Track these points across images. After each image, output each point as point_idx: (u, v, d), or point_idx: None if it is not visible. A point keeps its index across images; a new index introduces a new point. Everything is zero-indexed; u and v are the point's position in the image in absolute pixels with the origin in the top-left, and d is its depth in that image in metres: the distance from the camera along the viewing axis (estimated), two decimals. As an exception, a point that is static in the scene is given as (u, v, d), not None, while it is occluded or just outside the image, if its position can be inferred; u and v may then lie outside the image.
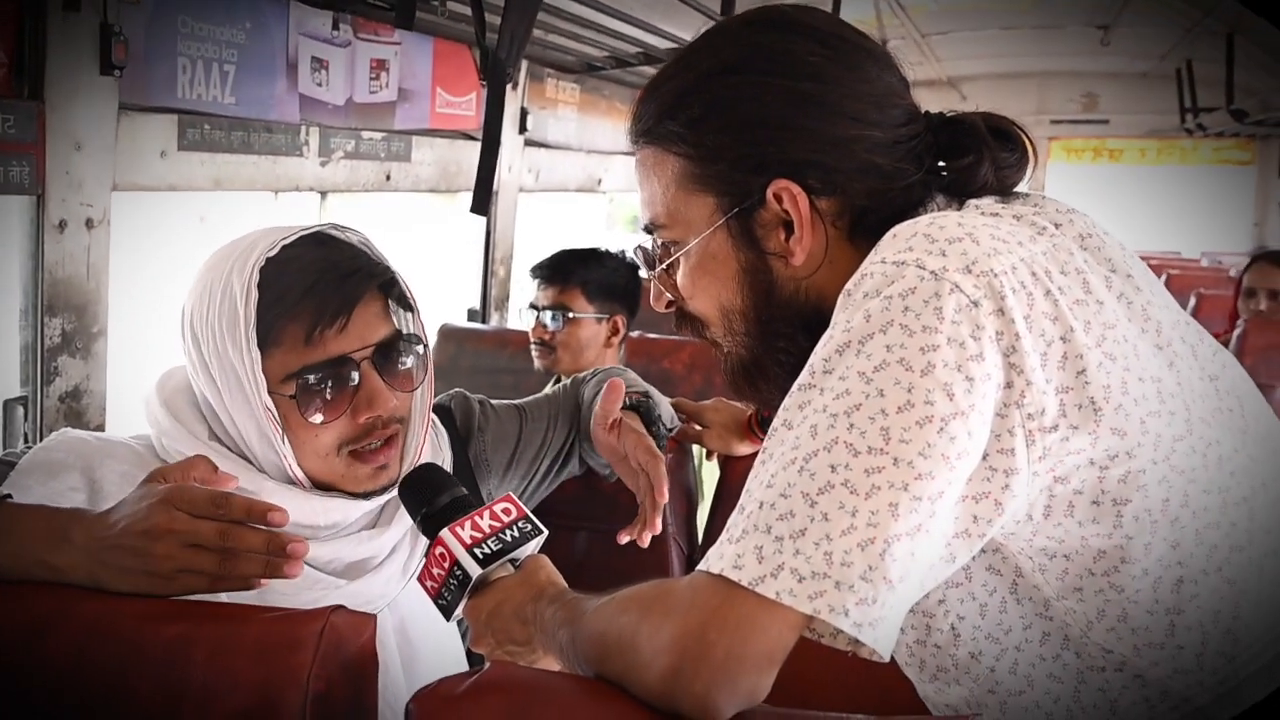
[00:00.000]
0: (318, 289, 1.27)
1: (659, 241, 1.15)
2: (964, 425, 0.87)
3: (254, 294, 1.25)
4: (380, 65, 3.20)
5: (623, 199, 6.18)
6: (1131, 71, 8.50)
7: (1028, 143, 1.12)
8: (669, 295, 1.18)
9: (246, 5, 2.61)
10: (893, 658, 0.91)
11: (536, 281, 2.85)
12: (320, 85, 2.91)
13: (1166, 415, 0.94)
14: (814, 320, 1.04)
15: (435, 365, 1.43)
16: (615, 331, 2.83)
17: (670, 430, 1.71)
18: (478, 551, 1.18)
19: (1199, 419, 0.97)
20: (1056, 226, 1.02)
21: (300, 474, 1.31)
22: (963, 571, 0.98)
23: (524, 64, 4.01)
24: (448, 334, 3.29)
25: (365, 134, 3.16)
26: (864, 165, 1.06)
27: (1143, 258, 1.07)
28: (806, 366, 0.94)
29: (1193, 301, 5.10)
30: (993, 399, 0.89)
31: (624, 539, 1.51)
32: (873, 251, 0.98)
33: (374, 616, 1.05)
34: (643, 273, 1.21)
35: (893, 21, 5.95)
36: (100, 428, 2.22)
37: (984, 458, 0.90)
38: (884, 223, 1.02)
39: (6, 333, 2.15)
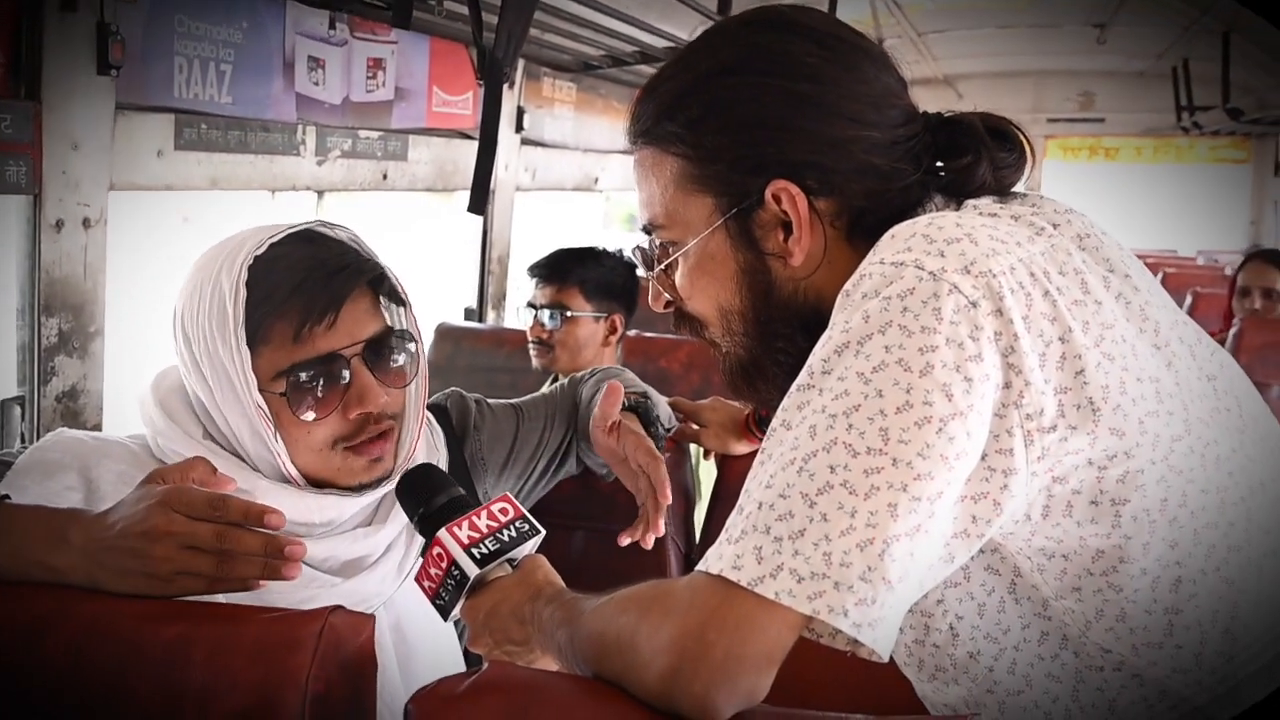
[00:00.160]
0: (306, 286, 1.27)
1: (657, 242, 1.15)
2: (963, 425, 0.87)
3: (242, 292, 1.25)
4: (377, 64, 3.20)
5: (619, 198, 6.19)
6: (1128, 70, 8.52)
7: (1025, 143, 1.12)
8: (667, 295, 1.18)
9: (243, 5, 2.61)
10: (891, 657, 0.91)
11: (534, 280, 2.85)
12: (317, 84, 2.91)
13: (1165, 415, 0.94)
14: (812, 321, 1.04)
15: (432, 364, 1.43)
16: (613, 330, 2.83)
17: (668, 431, 1.71)
18: (475, 552, 1.17)
19: (1197, 419, 0.97)
20: (1054, 227, 1.02)
21: (294, 471, 1.31)
22: (961, 571, 0.98)
23: (520, 63, 4.01)
24: (445, 333, 3.29)
25: (362, 133, 3.16)
26: (862, 166, 1.06)
27: (1139, 256, 1.08)
28: (805, 367, 0.94)
29: (1189, 300, 5.10)
30: (991, 399, 0.89)
31: (625, 541, 1.51)
32: (871, 252, 0.98)
33: (373, 617, 1.05)
34: (641, 273, 1.21)
35: (889, 20, 5.96)
36: (97, 427, 2.22)
37: (983, 458, 0.90)
38: (882, 223, 1.02)
39: (3, 332, 2.15)
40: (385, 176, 3.30)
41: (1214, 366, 1.04)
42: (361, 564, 1.35)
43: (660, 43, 4.00)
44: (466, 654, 1.41)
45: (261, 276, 1.26)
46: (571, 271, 2.80)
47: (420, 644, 1.39)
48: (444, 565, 1.18)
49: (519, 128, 4.17)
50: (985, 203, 1.08)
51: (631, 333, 3.02)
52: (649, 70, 4.40)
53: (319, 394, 1.28)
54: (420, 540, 1.33)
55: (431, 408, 1.59)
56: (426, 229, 4.19)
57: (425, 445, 1.47)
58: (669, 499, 1.49)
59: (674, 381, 3.06)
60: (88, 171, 2.16)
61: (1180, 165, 10.13)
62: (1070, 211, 1.06)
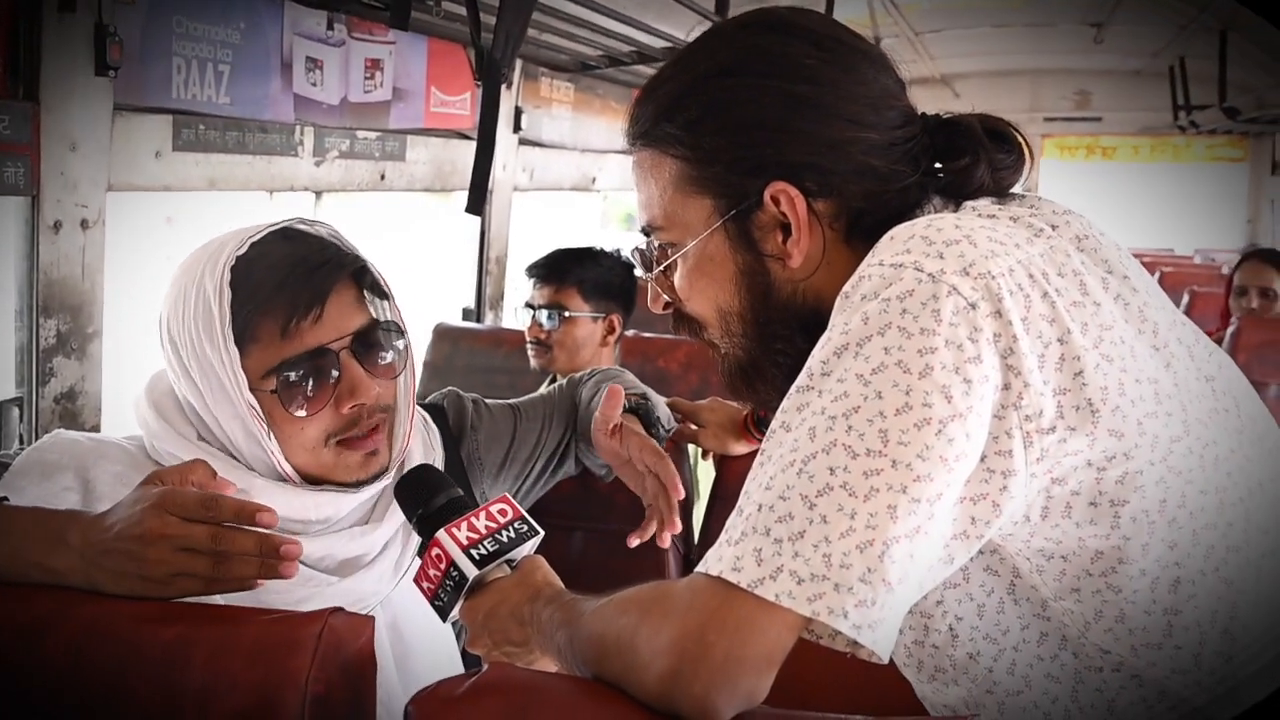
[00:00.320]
0: (289, 282, 1.27)
1: (656, 243, 1.15)
2: (962, 427, 0.88)
3: (227, 293, 1.25)
4: (375, 65, 3.20)
5: (617, 197, 6.19)
6: (1125, 69, 8.52)
7: (1024, 144, 1.12)
8: (666, 297, 1.18)
9: (241, 5, 2.61)
10: (891, 658, 0.92)
11: (532, 281, 2.86)
12: (315, 85, 2.91)
13: (1163, 416, 0.94)
14: (811, 322, 1.04)
15: (430, 365, 1.44)
16: (611, 330, 2.83)
17: (668, 431, 1.71)
18: (474, 553, 1.18)
19: (1196, 420, 0.97)
20: (1053, 228, 1.02)
21: (289, 469, 1.31)
22: (961, 572, 0.98)
23: (518, 63, 4.02)
24: (443, 333, 3.29)
25: (360, 133, 3.16)
26: (860, 167, 1.06)
27: (1136, 255, 1.08)
28: (804, 369, 0.94)
29: (1186, 299, 5.10)
30: (990, 401, 0.89)
31: (634, 542, 1.51)
32: (870, 254, 0.98)
33: (372, 619, 1.05)
34: (640, 274, 1.21)
35: (886, 20, 5.96)
36: (96, 428, 2.22)
37: (982, 459, 0.90)
38: (881, 225, 1.02)
39: (1, 334, 2.15)
40: (383, 177, 3.30)
41: (1212, 367, 1.04)
42: (358, 563, 1.35)
43: (658, 43, 4.00)
44: (464, 653, 1.41)
45: (244, 276, 1.27)
46: (569, 272, 2.80)
47: (417, 643, 1.39)
48: (443, 566, 1.18)
49: (517, 128, 4.17)
50: (984, 204, 1.08)
51: (630, 333, 3.02)
52: (647, 70, 4.41)
53: (310, 389, 1.29)
54: (417, 539, 1.33)
55: (428, 407, 1.59)
56: (424, 229, 4.19)
57: (421, 444, 1.47)
58: (682, 493, 1.49)
59: (672, 381, 3.06)
60: (86, 172, 2.16)
61: (1177, 164, 10.13)
62: (1069, 213, 1.06)
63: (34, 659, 1.02)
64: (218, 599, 1.16)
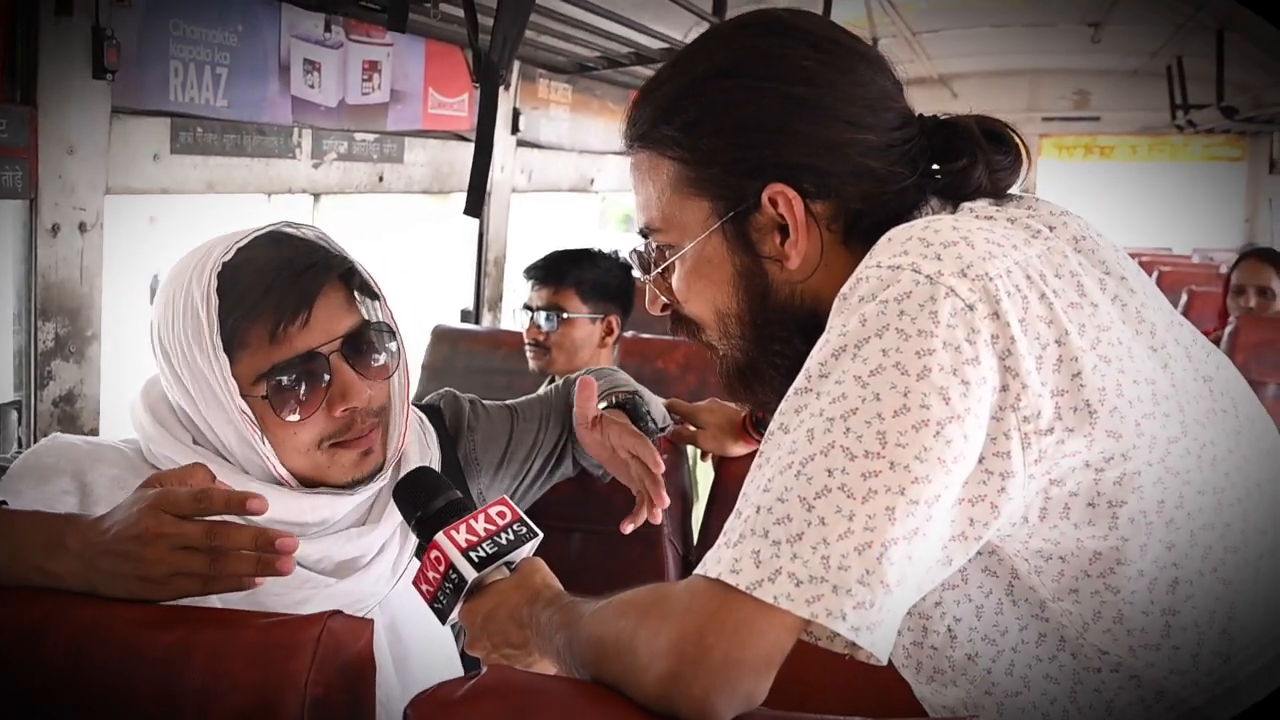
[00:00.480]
0: (276, 287, 1.27)
1: (654, 245, 1.15)
2: (960, 429, 0.88)
3: (214, 299, 1.25)
4: (372, 67, 3.20)
5: (615, 198, 6.19)
6: (1122, 68, 8.52)
7: (1021, 145, 1.12)
8: (664, 299, 1.18)
9: (238, 8, 2.61)
10: (890, 660, 0.92)
11: (530, 282, 2.86)
12: (312, 87, 2.91)
13: (1161, 417, 0.94)
14: (809, 324, 1.04)
15: (428, 366, 1.44)
16: (609, 332, 2.84)
17: (662, 429, 1.71)
18: (473, 555, 1.18)
19: (1193, 420, 0.97)
20: (1051, 229, 1.03)
21: (284, 473, 1.31)
22: (959, 574, 0.98)
23: (516, 65, 4.01)
24: (441, 335, 3.29)
25: (358, 136, 3.16)
26: (858, 169, 1.06)
27: (1134, 254, 1.08)
28: (802, 370, 0.94)
29: (1184, 299, 5.10)
30: (988, 402, 0.89)
31: (628, 528, 1.52)
32: (868, 255, 0.98)
33: (371, 621, 1.05)
34: (638, 275, 1.21)
35: (884, 20, 5.96)
36: (94, 432, 2.22)
37: (980, 461, 0.90)
38: (879, 226, 1.02)
39: (0, 337, 2.14)
40: (381, 179, 3.30)
41: (1210, 368, 1.04)
42: (356, 564, 1.36)
43: (655, 44, 4.00)
44: (463, 655, 1.41)
45: (231, 282, 1.26)
46: (568, 273, 2.80)
47: (415, 644, 1.39)
48: (442, 569, 1.18)
49: (515, 129, 4.17)
50: (981, 205, 1.08)
51: (628, 334, 3.02)
52: (644, 71, 4.40)
53: (301, 394, 1.29)
54: (414, 540, 1.33)
55: (425, 408, 1.59)
56: (423, 231, 4.19)
57: (418, 445, 1.47)
58: (662, 468, 1.51)
59: (671, 383, 3.06)
60: (84, 176, 2.16)
61: (1175, 163, 10.13)
62: (1066, 214, 1.06)
63: (33, 662, 1.02)
64: (215, 602, 1.16)
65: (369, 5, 2.95)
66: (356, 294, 1.37)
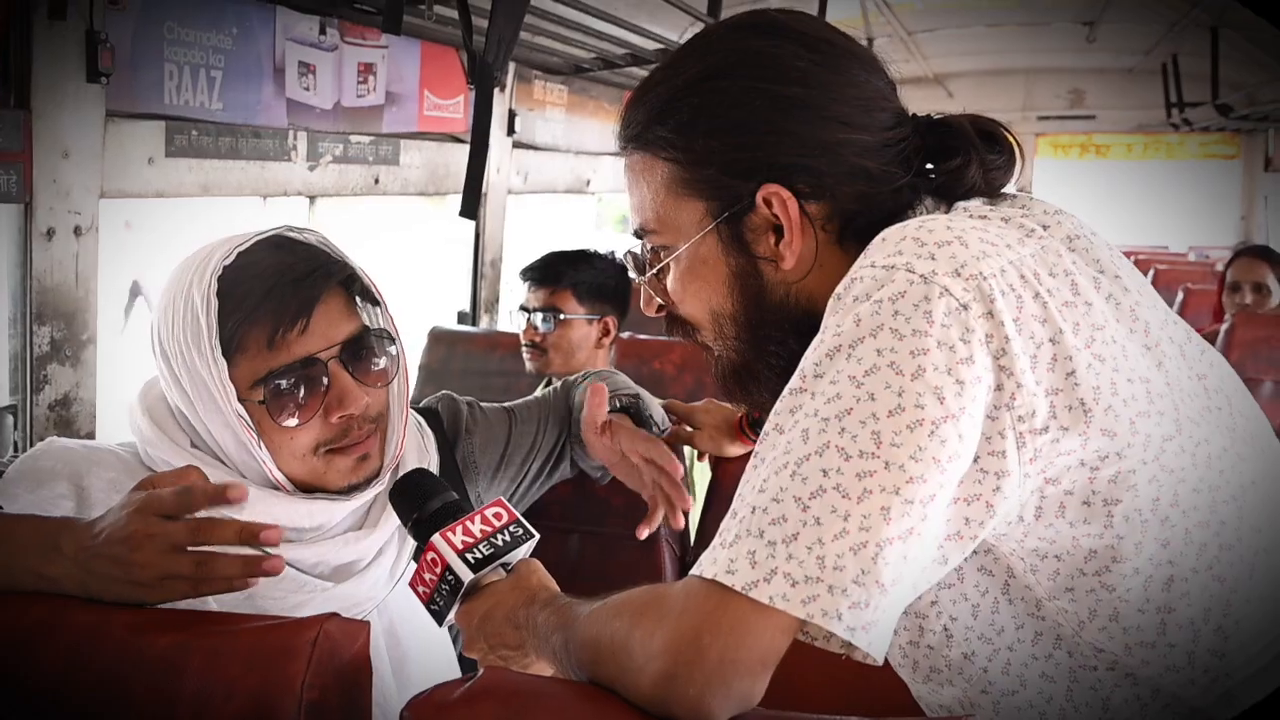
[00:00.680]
0: (276, 292, 1.27)
1: (649, 246, 1.15)
2: (955, 428, 0.88)
3: (214, 303, 1.25)
4: (368, 69, 3.19)
5: (611, 199, 6.19)
6: (1117, 67, 8.52)
7: (1014, 144, 1.12)
8: (659, 300, 1.18)
9: (233, 10, 2.61)
10: (886, 659, 0.92)
11: (527, 284, 2.86)
12: (308, 89, 2.91)
13: (1156, 415, 0.94)
14: (804, 324, 1.04)
15: (425, 368, 1.44)
16: (606, 332, 2.84)
17: (662, 432, 1.71)
18: (469, 556, 1.18)
19: (1188, 418, 0.97)
20: (1044, 228, 1.03)
21: (281, 477, 1.31)
22: (955, 573, 0.99)
23: (511, 66, 4.01)
24: (438, 337, 3.29)
25: (353, 138, 3.15)
26: (852, 169, 1.06)
27: (1130, 253, 1.08)
28: (797, 370, 0.94)
29: (1180, 297, 5.11)
30: (983, 402, 0.89)
31: (644, 533, 1.52)
32: (862, 255, 0.98)
33: (368, 624, 1.05)
34: (633, 276, 1.21)
35: (879, 20, 5.97)
36: (91, 435, 2.22)
37: (975, 460, 0.90)
38: (873, 226, 1.02)
39: (-4, 341, 2.14)
40: (377, 181, 3.30)
41: (1204, 365, 1.04)
42: (353, 568, 1.35)
43: (650, 45, 4.00)
44: (461, 657, 1.41)
45: (232, 286, 1.26)
46: (564, 274, 2.80)
47: (414, 648, 1.39)
48: (438, 570, 1.18)
49: (510, 131, 4.17)
50: (975, 205, 1.08)
51: (625, 335, 3.02)
52: (640, 72, 4.40)
53: (299, 399, 1.29)
54: (412, 543, 1.33)
55: (423, 411, 1.59)
56: (419, 233, 4.19)
57: (416, 448, 1.47)
58: (681, 470, 1.50)
59: (667, 383, 3.07)
60: (78, 179, 2.16)
61: (1171, 161, 10.14)
62: (1060, 213, 1.07)
63: (29, 666, 1.02)
64: (213, 605, 1.16)
65: (364, 7, 2.95)
66: (357, 300, 1.36)
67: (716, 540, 0.90)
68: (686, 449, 1.99)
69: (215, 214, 2.81)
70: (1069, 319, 0.93)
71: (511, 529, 1.21)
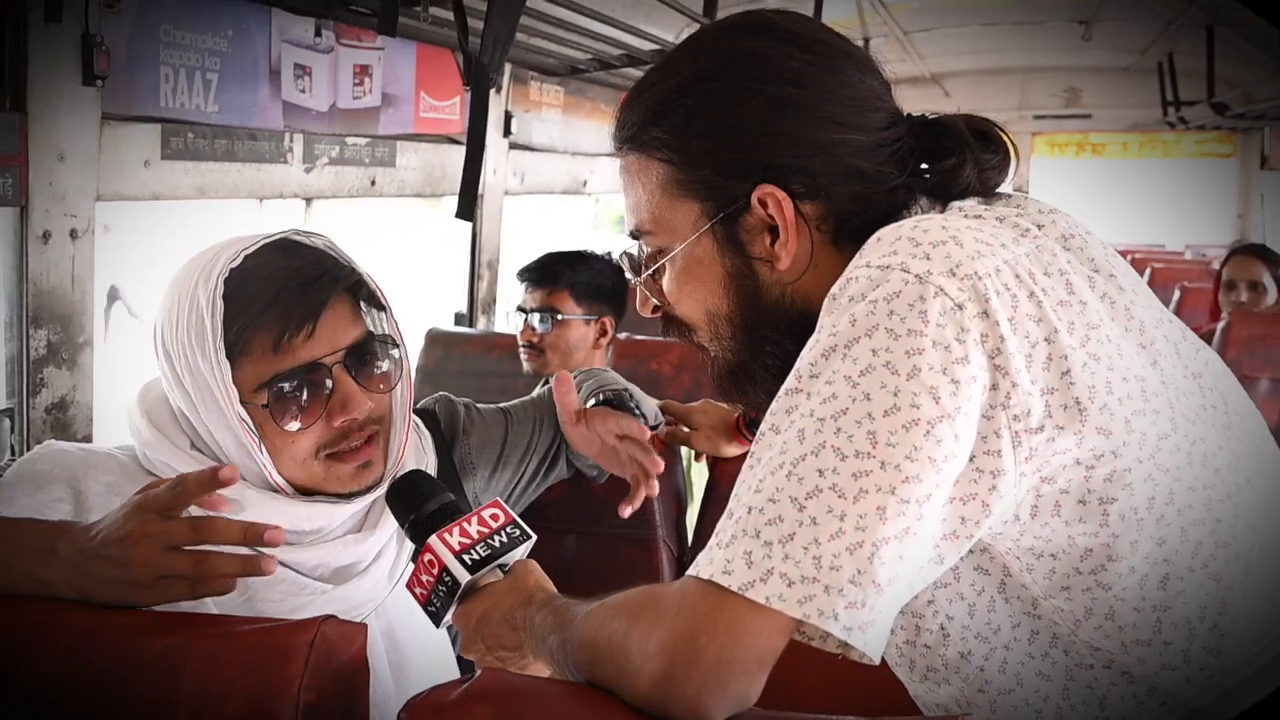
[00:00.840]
0: (282, 297, 1.26)
1: (645, 247, 1.15)
2: (950, 428, 0.88)
3: (219, 305, 1.25)
4: (363, 71, 3.19)
5: (608, 200, 6.19)
6: (1113, 66, 8.53)
7: (1009, 144, 1.13)
8: (655, 300, 1.18)
9: (228, 13, 2.60)
10: (883, 658, 0.92)
11: (524, 284, 2.86)
12: (304, 92, 2.91)
13: (1151, 414, 0.95)
14: (800, 324, 1.04)
15: (422, 370, 1.44)
16: (603, 333, 2.84)
17: (654, 426, 1.71)
18: (466, 558, 1.18)
19: (1183, 417, 0.97)
20: (1039, 228, 1.03)
21: (281, 480, 1.31)
22: (951, 572, 0.99)
23: (507, 67, 4.01)
24: (435, 338, 3.29)
25: (349, 140, 3.15)
26: (847, 169, 1.06)
27: (1127, 252, 1.09)
28: (793, 371, 0.94)
29: (1177, 295, 5.11)
30: (978, 401, 0.90)
31: (626, 512, 1.53)
32: (857, 255, 0.98)
33: (365, 626, 1.05)
34: (629, 277, 1.21)
35: (875, 19, 5.96)
36: (88, 439, 2.21)
37: (971, 460, 0.90)
38: (868, 226, 1.02)
39: (-8, 344, 2.14)
40: (373, 183, 3.30)
41: (1199, 364, 1.04)
42: (352, 570, 1.35)
43: (646, 45, 4.00)
44: (460, 659, 1.41)
45: (238, 289, 1.26)
46: (561, 275, 2.80)
47: (412, 650, 1.39)
48: (435, 572, 1.18)
49: (507, 132, 4.17)
50: (970, 204, 1.08)
51: (622, 335, 3.02)
52: (636, 73, 4.40)
53: (302, 404, 1.28)
54: (411, 545, 1.33)
55: (420, 412, 1.59)
56: (416, 234, 4.19)
57: (414, 450, 1.47)
58: (648, 433, 1.53)
59: (665, 384, 3.06)
60: (74, 182, 2.16)
61: (1167, 160, 10.14)
62: (1054, 212, 1.07)
63: (27, 669, 1.02)
64: (211, 607, 1.16)
65: (359, 9, 2.94)
66: (363, 304, 1.36)
67: (713, 540, 0.90)
68: (684, 449, 1.99)
69: (199, 217, 2.80)
70: (1064, 318, 0.94)
71: (508, 530, 1.21)
